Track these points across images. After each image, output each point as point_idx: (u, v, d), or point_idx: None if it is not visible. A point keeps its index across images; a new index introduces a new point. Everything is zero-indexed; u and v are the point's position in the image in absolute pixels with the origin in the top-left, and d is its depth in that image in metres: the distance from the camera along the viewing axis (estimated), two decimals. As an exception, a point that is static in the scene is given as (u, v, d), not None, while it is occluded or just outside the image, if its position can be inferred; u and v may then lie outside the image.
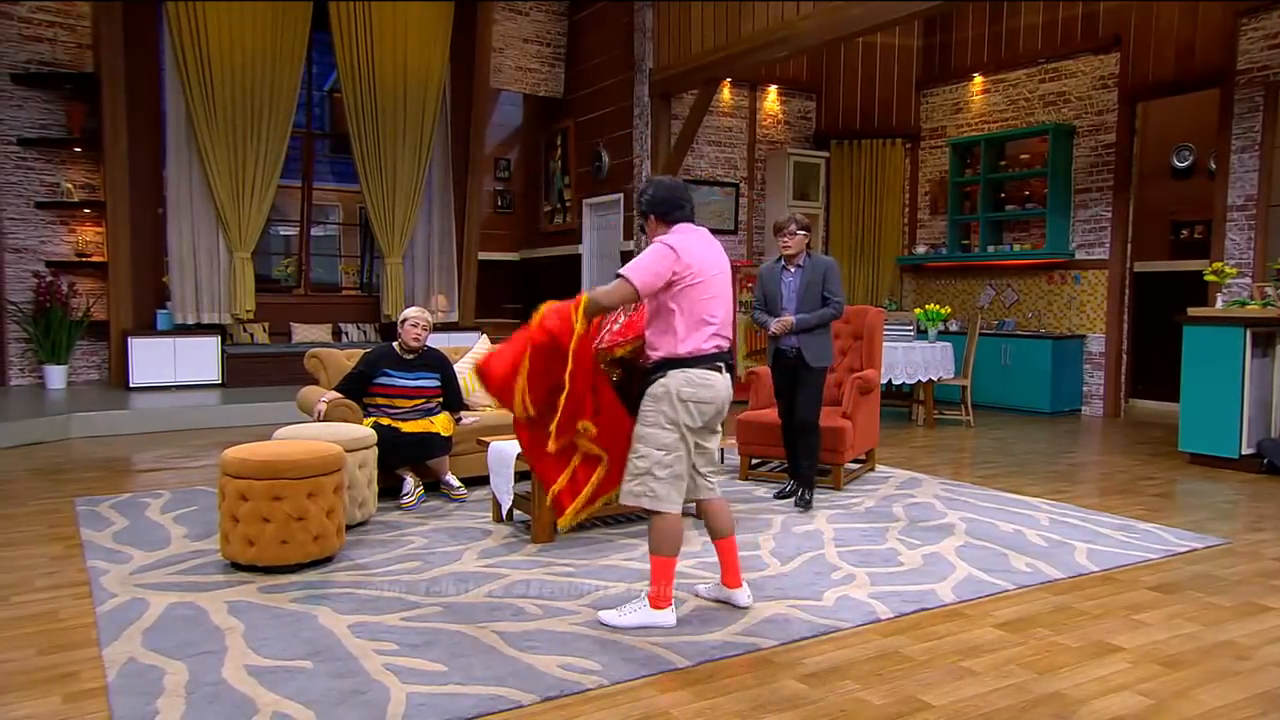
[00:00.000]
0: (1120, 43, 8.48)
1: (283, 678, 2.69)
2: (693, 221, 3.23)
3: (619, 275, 3.02)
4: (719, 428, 3.29)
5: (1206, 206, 7.90)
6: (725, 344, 3.15)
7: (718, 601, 3.38)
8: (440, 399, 5.09)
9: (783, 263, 4.95)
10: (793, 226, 4.84)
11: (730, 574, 3.33)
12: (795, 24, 7.53)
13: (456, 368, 5.32)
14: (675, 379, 3.07)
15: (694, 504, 3.38)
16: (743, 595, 3.32)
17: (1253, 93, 7.24)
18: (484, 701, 2.56)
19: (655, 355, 3.13)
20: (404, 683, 2.66)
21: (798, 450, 4.97)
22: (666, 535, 3.11)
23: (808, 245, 4.93)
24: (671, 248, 3.05)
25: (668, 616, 3.13)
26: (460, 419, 5.14)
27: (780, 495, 5.12)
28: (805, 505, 4.84)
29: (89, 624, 3.14)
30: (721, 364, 3.14)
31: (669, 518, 3.10)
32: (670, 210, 3.20)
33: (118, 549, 4.01)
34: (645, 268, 3.01)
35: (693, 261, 3.06)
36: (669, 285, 3.04)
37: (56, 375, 8.86)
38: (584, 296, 2.97)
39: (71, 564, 3.82)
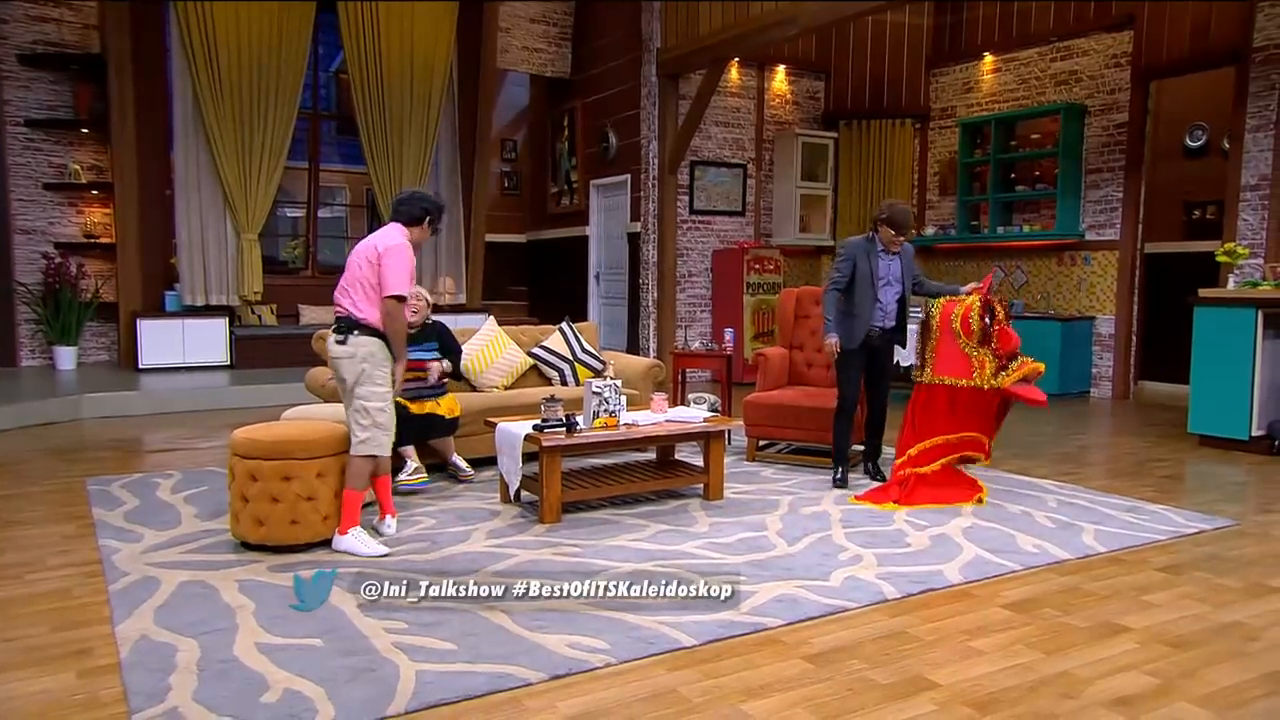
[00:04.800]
0: (1133, 21, 8.37)
1: (293, 655, 2.72)
2: (398, 223, 3.89)
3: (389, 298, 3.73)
4: (346, 386, 3.79)
5: (1219, 186, 7.81)
6: (340, 311, 3.80)
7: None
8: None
9: (880, 246, 4.89)
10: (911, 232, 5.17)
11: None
12: (803, 3, 7.45)
13: (465, 348, 5.35)
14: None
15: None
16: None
17: (1269, 71, 7.14)
18: (493, 679, 2.58)
19: None
20: (414, 661, 2.68)
21: (877, 427, 5.17)
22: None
23: None
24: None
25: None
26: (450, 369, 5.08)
27: (837, 483, 4.95)
28: (882, 475, 5.04)
29: (101, 601, 3.17)
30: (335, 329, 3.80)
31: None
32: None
33: (129, 528, 4.04)
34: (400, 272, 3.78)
35: None
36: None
37: (66, 356, 8.91)
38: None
39: (84, 543, 3.86)
